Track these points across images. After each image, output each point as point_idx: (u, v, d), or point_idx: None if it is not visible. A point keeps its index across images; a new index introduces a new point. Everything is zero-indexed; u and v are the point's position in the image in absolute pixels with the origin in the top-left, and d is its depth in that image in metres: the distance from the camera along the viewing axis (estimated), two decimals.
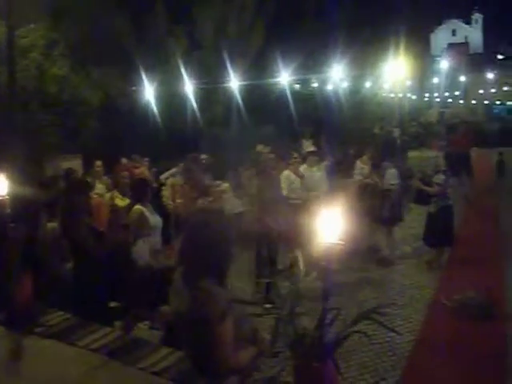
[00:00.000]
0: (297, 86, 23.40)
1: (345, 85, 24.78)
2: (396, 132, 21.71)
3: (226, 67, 16.33)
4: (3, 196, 4.78)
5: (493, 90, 59.63)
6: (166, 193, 9.13)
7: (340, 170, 10.47)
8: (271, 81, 18.59)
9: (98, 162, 10.02)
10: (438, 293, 7.82)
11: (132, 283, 5.70)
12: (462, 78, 61.74)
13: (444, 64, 58.87)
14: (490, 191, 16.74)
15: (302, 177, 9.54)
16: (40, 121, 12.70)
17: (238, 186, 10.71)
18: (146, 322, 6.16)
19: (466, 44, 77.61)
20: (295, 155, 10.03)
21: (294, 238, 7.54)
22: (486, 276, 8.42)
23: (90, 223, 6.74)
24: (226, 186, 9.00)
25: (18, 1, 9.86)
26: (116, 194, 8.62)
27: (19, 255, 5.26)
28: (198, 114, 16.14)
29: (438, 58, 64.36)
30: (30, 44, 12.86)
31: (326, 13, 20.53)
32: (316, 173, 10.05)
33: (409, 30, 27.68)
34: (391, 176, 9.69)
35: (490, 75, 59.70)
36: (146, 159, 11.78)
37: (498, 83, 59.71)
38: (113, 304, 6.30)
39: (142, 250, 6.17)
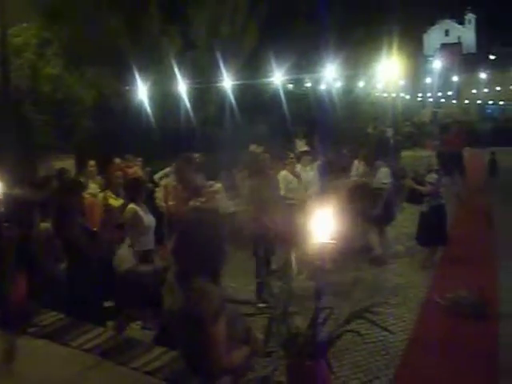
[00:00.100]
0: (290, 86, 23.41)
1: (338, 84, 24.82)
2: (389, 132, 21.79)
3: (219, 67, 16.32)
4: None
5: (485, 90, 59.84)
6: (159, 194, 9.13)
7: (333, 170, 10.46)
8: (264, 81, 18.59)
9: (92, 162, 10.00)
10: (431, 292, 7.84)
11: (114, 288, 5.63)
12: (455, 78, 61.97)
13: (437, 64, 59.09)
14: (483, 190, 16.82)
15: (299, 176, 9.55)
16: (33, 120, 12.66)
17: (231, 187, 10.71)
18: (139, 322, 6.15)
19: (458, 44, 77.86)
20: (291, 155, 10.04)
21: (289, 238, 7.55)
22: (479, 275, 8.46)
23: (83, 223, 6.74)
24: (218, 186, 8.99)
25: (11, 0, 9.84)
26: (109, 193, 8.61)
27: (13, 255, 5.26)
28: (191, 113, 16.12)
29: (431, 58, 64.59)
30: (23, 43, 12.83)
31: (319, 13, 20.53)
32: (309, 172, 10.08)
33: (402, 29, 27.77)
34: (383, 175, 9.70)
35: (483, 75, 59.93)
36: (140, 159, 11.76)
37: (490, 83, 59.93)
38: (106, 304, 6.29)
39: (126, 255, 6.14)
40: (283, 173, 9.29)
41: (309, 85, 25.03)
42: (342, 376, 5.42)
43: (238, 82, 16.95)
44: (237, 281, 7.80)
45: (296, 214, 8.75)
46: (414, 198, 10.23)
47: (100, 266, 6.12)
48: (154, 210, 7.96)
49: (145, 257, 6.36)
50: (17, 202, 6.38)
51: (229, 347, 2.82)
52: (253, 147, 10.97)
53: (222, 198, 9.73)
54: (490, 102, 60.32)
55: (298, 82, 23.80)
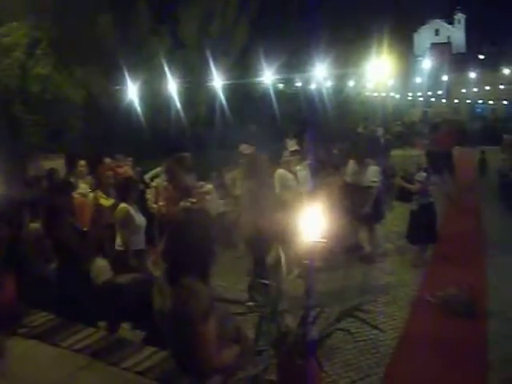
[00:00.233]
0: (280, 86, 23.45)
1: (328, 84, 24.88)
2: (380, 131, 21.85)
3: (209, 66, 16.32)
4: None
5: (475, 90, 60.10)
6: (150, 195, 9.11)
7: (323, 169, 10.48)
8: (255, 80, 18.61)
9: (82, 162, 9.99)
10: (422, 290, 7.88)
11: (89, 301, 5.55)
12: (445, 78, 62.23)
13: (427, 63, 59.29)
14: (472, 189, 16.90)
15: (296, 174, 9.53)
16: (23, 120, 12.60)
17: (220, 187, 10.71)
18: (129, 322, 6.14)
19: (448, 44, 78.14)
20: (288, 153, 10.00)
21: (281, 237, 7.54)
22: (469, 273, 8.50)
23: (73, 223, 6.72)
24: (209, 187, 8.97)
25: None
26: (100, 193, 8.60)
27: (2, 255, 5.23)
28: (181, 113, 16.11)
29: (421, 58, 64.80)
30: (12, 43, 12.75)
31: (310, 12, 20.56)
32: (300, 172, 10.07)
33: (392, 29, 27.92)
34: (372, 173, 9.69)
35: (473, 75, 60.20)
36: (130, 159, 11.74)
37: (480, 83, 60.22)
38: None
39: (104, 266, 6.11)
40: (280, 171, 9.21)
41: (299, 84, 25.07)
42: (333, 374, 5.42)
43: (228, 82, 16.96)
44: (226, 280, 7.80)
45: (290, 212, 8.72)
46: (404, 196, 10.28)
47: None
48: (145, 210, 7.95)
49: (136, 256, 6.36)
50: (6, 202, 6.36)
51: (219, 346, 2.83)
52: (243, 147, 10.94)
53: (213, 198, 9.72)
54: (480, 102, 60.64)
55: (288, 82, 23.85)
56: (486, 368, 5.61)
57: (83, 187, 9.27)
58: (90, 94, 14.48)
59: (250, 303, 3.31)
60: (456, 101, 61.01)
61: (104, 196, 8.46)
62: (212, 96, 17.43)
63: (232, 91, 17.60)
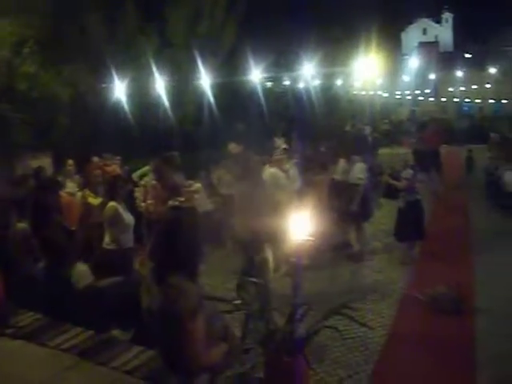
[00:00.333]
0: (269, 84, 23.45)
1: (316, 83, 24.91)
2: (367, 129, 21.93)
3: (197, 65, 16.27)
4: None
5: (462, 89, 60.42)
6: (138, 194, 9.10)
7: (311, 168, 10.49)
8: (243, 79, 18.59)
9: (70, 161, 9.96)
10: (410, 288, 7.92)
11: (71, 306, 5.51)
12: (432, 76, 62.55)
13: (415, 62, 59.53)
14: (460, 187, 17.02)
15: (287, 173, 9.52)
16: (10, 119, 12.51)
17: (208, 185, 10.70)
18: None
19: (436, 43, 78.46)
20: (278, 152, 10.00)
21: (270, 236, 7.53)
22: (457, 271, 8.56)
23: (60, 222, 6.69)
24: (197, 186, 8.94)
25: None
26: (88, 192, 8.56)
27: None
28: (169, 112, 16.06)
29: (408, 57, 65.07)
30: None
31: (297, 11, 20.57)
32: (290, 170, 10.07)
33: (380, 28, 27.99)
34: (359, 170, 9.68)
35: (460, 73, 60.55)
36: (118, 157, 11.71)
37: (467, 81, 60.56)
38: None
39: (84, 271, 6.08)
40: (272, 170, 9.18)
41: (287, 83, 25.08)
42: (321, 372, 5.44)
43: (216, 81, 16.93)
44: (214, 279, 7.80)
45: (282, 212, 8.69)
46: (391, 193, 10.34)
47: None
48: (133, 209, 7.93)
49: (125, 255, 6.35)
50: None
51: (207, 345, 2.83)
52: (232, 146, 10.93)
53: (202, 197, 9.70)
54: (467, 100, 60.97)
55: (276, 80, 23.85)
56: (474, 365, 5.65)
57: (71, 186, 9.24)
58: (77, 93, 14.39)
59: (238, 301, 3.32)
60: (443, 99, 61.32)
61: (92, 195, 8.43)
62: (200, 95, 17.38)
63: (220, 90, 17.57)
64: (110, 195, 6.65)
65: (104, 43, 15.06)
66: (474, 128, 35.55)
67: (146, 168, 9.55)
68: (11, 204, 6.48)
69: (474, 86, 60.08)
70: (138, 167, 10.27)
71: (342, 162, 10.27)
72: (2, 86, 12.64)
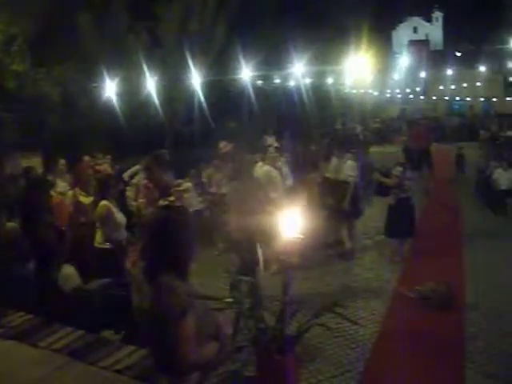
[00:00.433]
0: (259, 83, 23.44)
1: (307, 81, 24.93)
2: (358, 128, 22.00)
3: (187, 64, 16.24)
4: None
5: (453, 87, 60.54)
6: (130, 193, 9.07)
7: (302, 166, 10.51)
8: (233, 77, 18.57)
9: (62, 161, 9.91)
10: (400, 285, 7.95)
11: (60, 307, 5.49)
12: (423, 75, 62.68)
13: (405, 60, 59.64)
14: (450, 184, 17.11)
15: (280, 170, 9.50)
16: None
17: (198, 184, 10.70)
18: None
19: (426, 41, 78.67)
20: (272, 149, 9.99)
21: (266, 235, 7.52)
22: (447, 267, 8.62)
23: (51, 221, 6.66)
24: (188, 185, 8.94)
25: None
26: (79, 191, 8.51)
27: None
28: (160, 111, 16.04)
29: (399, 55, 65.20)
30: None
31: (288, 9, 20.61)
32: (282, 168, 10.10)
33: (371, 26, 28.05)
34: (349, 168, 9.69)
35: (450, 72, 60.71)
36: (109, 156, 11.66)
37: (457, 80, 60.71)
38: None
39: (71, 273, 6.06)
40: (265, 168, 9.16)
41: (278, 81, 25.09)
42: (314, 370, 5.45)
43: (207, 79, 16.90)
44: (204, 278, 7.77)
45: (275, 211, 8.66)
46: (382, 190, 10.37)
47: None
48: (124, 208, 7.91)
49: (116, 253, 6.34)
50: None
51: (198, 343, 2.83)
52: (222, 144, 10.93)
53: (192, 196, 9.70)
54: (458, 99, 61.14)
55: (267, 79, 23.85)
56: (464, 361, 5.68)
57: (62, 185, 9.19)
58: (67, 92, 14.34)
59: (228, 300, 3.32)
60: (434, 98, 61.44)
61: (83, 194, 8.39)
62: (191, 94, 17.36)
63: (211, 89, 17.55)
64: (102, 194, 6.64)
65: (94, 42, 15.01)
66: (465, 126, 35.77)
67: (137, 167, 9.53)
68: (1, 204, 6.46)
69: (465, 85, 60.24)
70: (128, 166, 10.25)
71: (334, 161, 10.27)
72: None
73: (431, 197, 14.41)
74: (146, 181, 8.25)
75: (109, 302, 5.21)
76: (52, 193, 8.14)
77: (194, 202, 9.73)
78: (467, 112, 51.75)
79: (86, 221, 7.30)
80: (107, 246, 6.50)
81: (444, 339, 6.20)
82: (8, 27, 13.15)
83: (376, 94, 45.84)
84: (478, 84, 57.48)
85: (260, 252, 4.16)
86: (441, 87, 61.15)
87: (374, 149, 22.02)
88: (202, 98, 17.06)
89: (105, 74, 14.35)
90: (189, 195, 9.11)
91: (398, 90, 58.91)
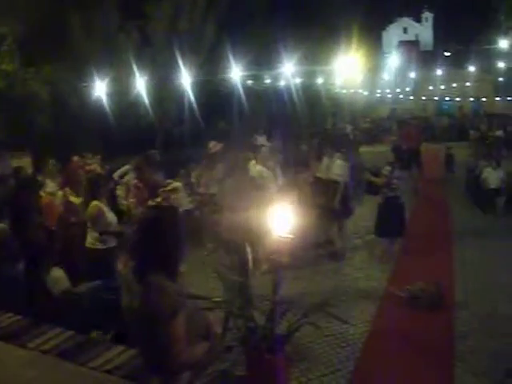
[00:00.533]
0: (250, 82, 23.43)
1: (297, 81, 24.95)
2: (348, 128, 22.04)
3: (177, 63, 16.22)
4: None
5: (442, 87, 60.81)
6: (120, 192, 9.04)
7: (292, 166, 10.51)
8: (224, 77, 18.56)
9: (52, 161, 9.87)
10: (390, 284, 7.97)
11: (47, 309, 5.46)
12: (413, 75, 62.91)
13: (395, 61, 59.78)
14: (440, 184, 17.18)
15: (273, 169, 9.48)
16: None
17: (187, 185, 10.68)
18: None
19: (416, 42, 79.01)
20: (264, 149, 9.96)
21: (257, 234, 7.52)
22: (437, 267, 8.65)
23: (41, 222, 6.63)
24: (177, 184, 8.91)
25: None
26: (69, 191, 8.48)
27: None
28: (150, 110, 16.00)
29: (389, 55, 65.38)
30: None
31: (278, 8, 20.61)
32: (273, 169, 10.09)
33: (361, 27, 28.12)
34: (339, 167, 9.68)
35: (440, 72, 60.96)
36: (98, 156, 11.63)
37: (447, 80, 60.99)
38: None
39: (60, 276, 6.03)
40: (258, 167, 9.15)
41: (268, 81, 25.09)
42: (304, 369, 5.44)
43: (197, 79, 16.89)
44: (194, 277, 7.77)
45: (267, 210, 8.64)
46: (372, 189, 10.39)
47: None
48: (114, 207, 7.89)
49: (108, 253, 6.32)
50: None
51: (188, 343, 2.83)
52: (212, 143, 10.92)
53: (181, 196, 9.67)
54: (447, 99, 61.47)
55: (257, 79, 23.85)
56: (454, 360, 5.71)
57: (51, 186, 9.14)
58: (57, 91, 14.28)
59: (218, 299, 3.31)
60: (424, 98, 61.71)
61: (73, 193, 8.35)
62: (181, 93, 17.33)
63: (201, 88, 17.53)
64: (92, 194, 6.61)
65: (84, 41, 14.96)
66: (454, 126, 35.92)
67: (127, 167, 9.50)
68: None
69: (454, 85, 60.57)
70: (118, 166, 10.22)
71: (325, 160, 10.29)
72: None
73: (420, 196, 14.46)
74: (136, 181, 8.25)
75: (98, 304, 5.20)
76: (41, 193, 8.10)
77: (183, 201, 9.70)
78: (457, 112, 51.93)
79: (76, 221, 7.28)
80: (98, 246, 6.48)
81: (433, 338, 6.22)
82: None
83: (366, 93, 45.98)
84: (468, 84, 57.83)
85: (250, 251, 4.15)
86: (430, 87, 61.45)
87: (364, 148, 22.04)
88: (192, 98, 17.04)
89: (95, 73, 14.30)
90: (179, 195, 9.08)
91: (388, 90, 59.15)
